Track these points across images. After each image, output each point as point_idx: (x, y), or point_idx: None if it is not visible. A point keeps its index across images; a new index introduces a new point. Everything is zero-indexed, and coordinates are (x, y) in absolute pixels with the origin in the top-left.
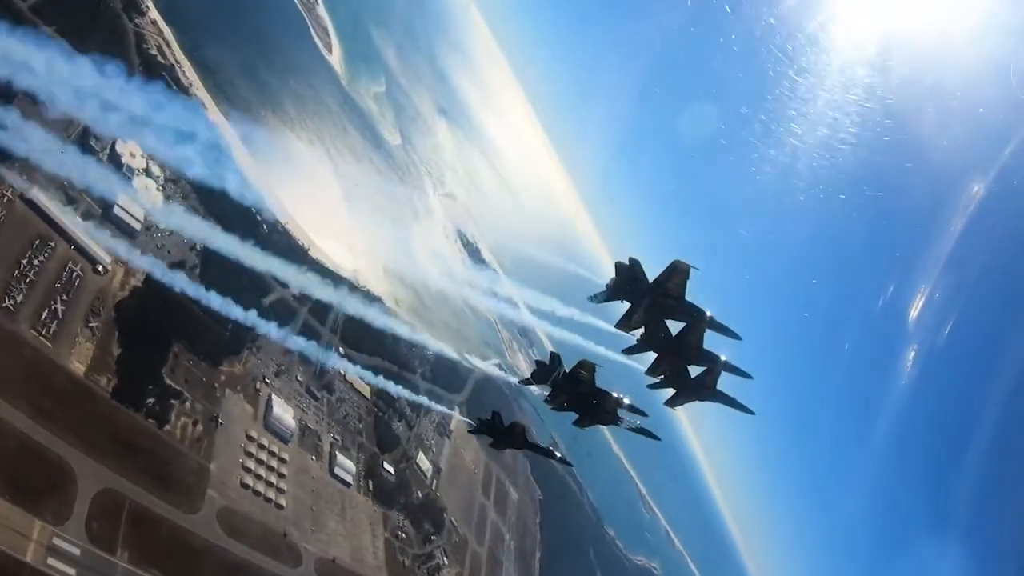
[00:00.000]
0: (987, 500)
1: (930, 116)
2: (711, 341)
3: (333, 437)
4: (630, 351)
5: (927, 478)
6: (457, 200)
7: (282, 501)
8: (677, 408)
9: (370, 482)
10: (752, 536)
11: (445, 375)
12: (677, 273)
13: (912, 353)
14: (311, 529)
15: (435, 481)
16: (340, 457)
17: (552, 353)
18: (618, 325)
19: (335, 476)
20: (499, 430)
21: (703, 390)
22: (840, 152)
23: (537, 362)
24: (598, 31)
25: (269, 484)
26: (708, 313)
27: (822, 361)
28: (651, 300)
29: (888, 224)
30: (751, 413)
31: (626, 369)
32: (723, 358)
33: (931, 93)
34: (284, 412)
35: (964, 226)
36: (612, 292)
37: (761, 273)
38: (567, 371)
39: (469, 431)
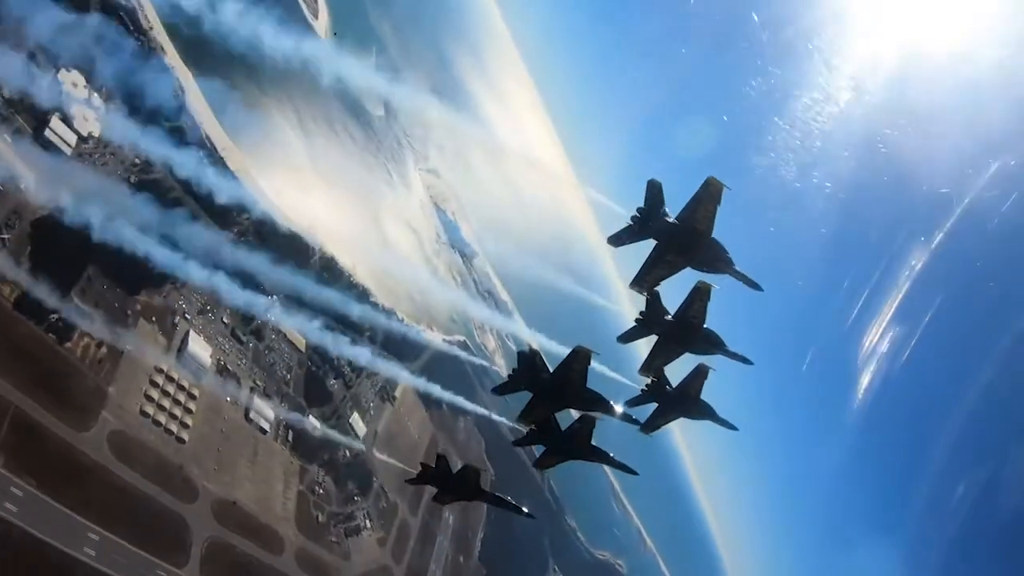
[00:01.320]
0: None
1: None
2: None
3: (254, 382)
4: None
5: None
6: (440, 178)
7: (184, 436)
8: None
9: (290, 432)
10: (737, 543)
11: (397, 342)
12: (578, 359)
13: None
14: (214, 468)
15: (369, 444)
16: (258, 402)
17: (527, 351)
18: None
19: (250, 420)
20: (445, 477)
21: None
22: None
23: (520, 353)
24: (619, 27)
25: (172, 417)
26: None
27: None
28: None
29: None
30: (734, 429)
31: None
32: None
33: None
34: (201, 349)
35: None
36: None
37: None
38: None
39: (407, 481)
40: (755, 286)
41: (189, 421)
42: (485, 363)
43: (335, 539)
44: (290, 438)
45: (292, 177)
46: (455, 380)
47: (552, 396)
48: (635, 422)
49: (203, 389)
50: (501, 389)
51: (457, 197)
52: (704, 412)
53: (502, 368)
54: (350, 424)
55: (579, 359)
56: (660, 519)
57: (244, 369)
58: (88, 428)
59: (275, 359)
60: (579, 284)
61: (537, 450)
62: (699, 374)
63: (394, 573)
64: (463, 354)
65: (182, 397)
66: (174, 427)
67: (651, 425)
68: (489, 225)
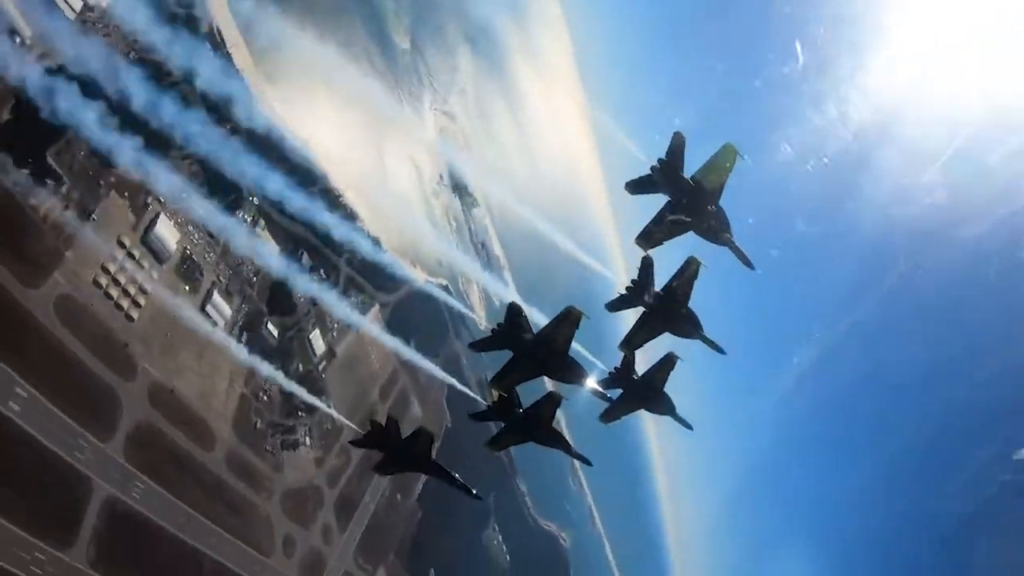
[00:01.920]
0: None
1: None
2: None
3: (217, 277)
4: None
5: None
6: (455, 122)
7: (134, 314)
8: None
9: (245, 335)
10: (687, 538)
11: (377, 272)
12: (568, 321)
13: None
14: (158, 353)
15: (324, 364)
16: (217, 297)
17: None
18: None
19: (206, 314)
20: (393, 443)
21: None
22: None
23: (511, 304)
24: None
25: (125, 293)
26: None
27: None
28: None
29: None
30: (689, 428)
31: None
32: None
33: None
34: (169, 234)
35: None
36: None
37: None
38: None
39: (351, 443)
40: (749, 263)
41: (142, 301)
42: (466, 310)
43: (270, 448)
44: (244, 340)
45: (299, 88)
46: (430, 321)
47: (533, 359)
48: (607, 398)
49: (163, 273)
50: (480, 345)
51: (468, 145)
52: (665, 406)
53: (481, 321)
54: (309, 340)
55: (569, 321)
56: (614, 501)
57: (210, 263)
58: (37, 286)
59: (245, 261)
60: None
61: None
62: (667, 363)
63: (325, 496)
64: (443, 296)
65: (140, 275)
66: (125, 304)
67: (610, 414)
68: (496, 179)
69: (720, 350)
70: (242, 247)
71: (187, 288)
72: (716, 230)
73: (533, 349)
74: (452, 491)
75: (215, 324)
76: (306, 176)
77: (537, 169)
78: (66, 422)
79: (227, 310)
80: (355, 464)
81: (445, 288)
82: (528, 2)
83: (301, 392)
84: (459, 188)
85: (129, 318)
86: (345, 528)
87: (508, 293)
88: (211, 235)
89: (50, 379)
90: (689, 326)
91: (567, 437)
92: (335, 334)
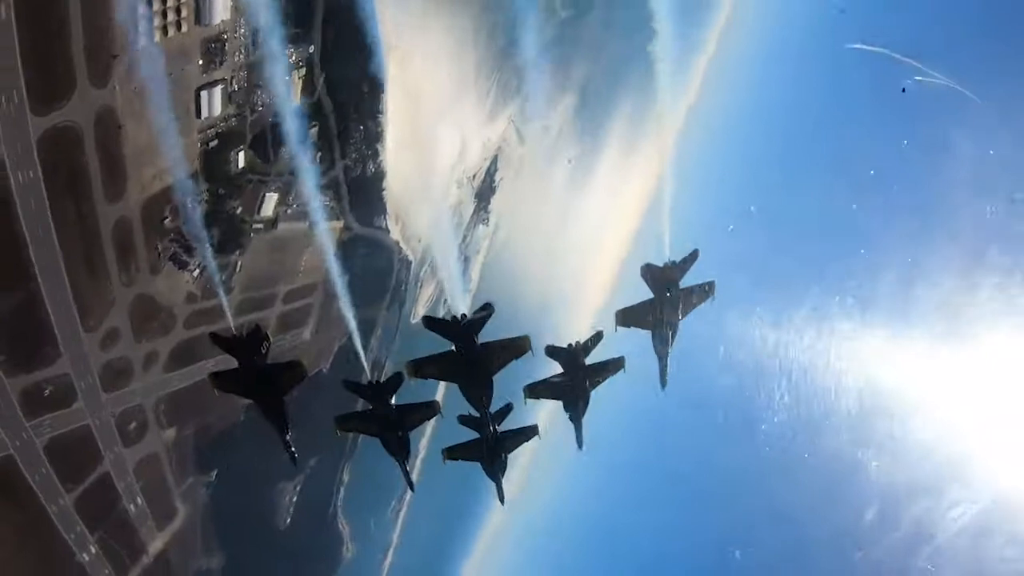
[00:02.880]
0: None
1: None
2: None
3: (231, 79)
4: None
5: None
6: (521, 146)
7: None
8: None
9: (214, 143)
10: None
11: (364, 195)
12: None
13: None
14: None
15: (259, 227)
16: (218, 93)
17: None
18: None
19: (198, 96)
20: (258, 363)
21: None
22: None
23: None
24: None
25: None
26: None
27: None
28: None
29: None
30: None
31: None
32: None
33: None
34: (222, 7)
35: None
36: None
37: None
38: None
39: (211, 335)
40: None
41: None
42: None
43: (159, 248)
44: (211, 148)
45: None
46: (373, 276)
47: (465, 363)
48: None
49: (192, 31)
50: (433, 322)
51: (519, 172)
52: (496, 471)
53: (415, 314)
54: (264, 196)
55: (517, 347)
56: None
57: (235, 62)
58: None
59: (262, 85)
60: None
61: None
62: (527, 433)
63: (173, 328)
64: (401, 266)
65: (171, 17)
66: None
67: (453, 452)
68: (520, 218)
69: (579, 443)
70: (269, 73)
71: (200, 62)
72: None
73: (473, 353)
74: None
75: (199, 112)
76: (368, 72)
77: (564, 236)
78: None
79: (217, 110)
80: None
81: (407, 263)
82: (652, 104)
83: (224, 231)
84: (482, 197)
85: None
86: (172, 369)
87: (462, 308)
88: (254, 40)
89: None
90: (579, 409)
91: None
92: (288, 211)
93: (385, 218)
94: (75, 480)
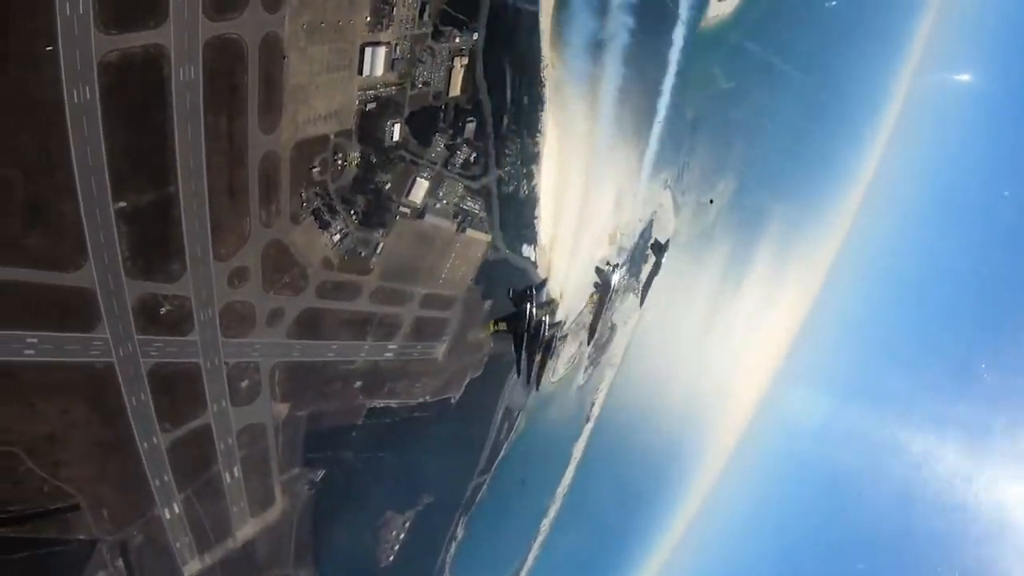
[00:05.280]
0: None
1: None
2: None
3: (395, 45)
4: None
5: None
6: (676, 215)
7: None
8: None
9: (372, 105)
10: None
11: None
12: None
13: None
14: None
15: (405, 211)
16: (381, 53)
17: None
18: None
19: (362, 53)
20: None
21: None
22: None
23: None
24: None
25: None
26: None
27: None
28: None
29: None
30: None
31: None
32: None
33: None
34: None
35: None
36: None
37: None
38: None
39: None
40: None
41: None
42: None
43: (303, 197)
44: (368, 110)
45: None
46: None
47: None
48: None
49: None
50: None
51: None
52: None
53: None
54: (415, 179)
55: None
56: None
57: (402, 32)
58: None
59: (424, 61)
60: None
61: None
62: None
63: (306, 284)
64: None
65: None
66: None
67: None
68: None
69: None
70: (434, 51)
71: (367, 18)
72: None
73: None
74: None
75: (361, 69)
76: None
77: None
78: None
79: (379, 71)
80: (343, 306)
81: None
82: (805, 234)
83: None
84: (635, 262)
85: None
86: (295, 336)
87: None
88: (422, 10)
89: None
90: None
91: None
92: (436, 206)
93: (535, 250)
94: (173, 422)
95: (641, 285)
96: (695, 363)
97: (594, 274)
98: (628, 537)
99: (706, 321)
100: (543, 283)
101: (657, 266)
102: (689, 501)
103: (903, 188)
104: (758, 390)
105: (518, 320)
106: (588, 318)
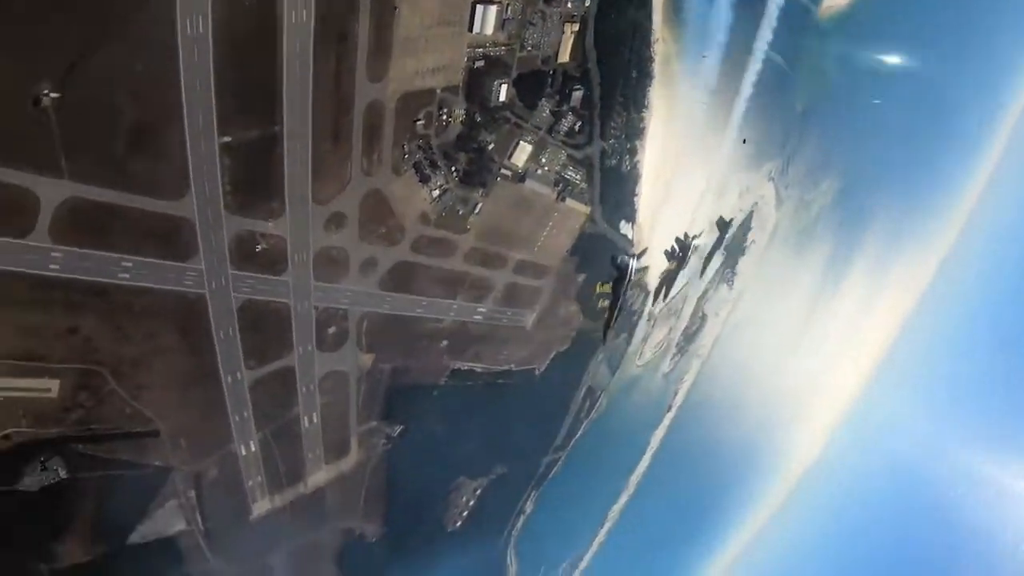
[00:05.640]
0: None
1: None
2: None
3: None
4: None
5: None
6: (777, 209)
7: None
8: None
9: (480, 63)
10: None
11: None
12: None
13: None
14: None
15: (506, 173)
16: (492, 12)
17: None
18: None
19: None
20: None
21: None
22: None
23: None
24: None
25: None
26: None
27: None
28: None
29: None
30: None
31: None
32: None
33: None
34: None
35: None
36: None
37: None
38: None
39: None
40: None
41: None
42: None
43: (406, 150)
44: (476, 68)
45: None
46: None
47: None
48: None
49: None
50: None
51: (770, 240)
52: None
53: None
54: (518, 142)
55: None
56: None
57: None
58: None
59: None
60: None
61: None
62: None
63: (403, 235)
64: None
65: None
66: None
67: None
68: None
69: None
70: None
71: None
72: None
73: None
74: None
75: (471, 26)
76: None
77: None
78: None
79: (489, 29)
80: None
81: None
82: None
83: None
84: (731, 252)
85: None
86: (387, 288)
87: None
88: None
89: None
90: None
91: None
92: (538, 172)
93: (632, 227)
94: (258, 360)
95: (702, 261)
96: (784, 364)
97: (687, 256)
98: (694, 537)
99: (800, 322)
100: (643, 252)
101: (719, 243)
102: (761, 508)
103: (1018, 199)
104: (847, 399)
105: (620, 284)
106: (679, 303)
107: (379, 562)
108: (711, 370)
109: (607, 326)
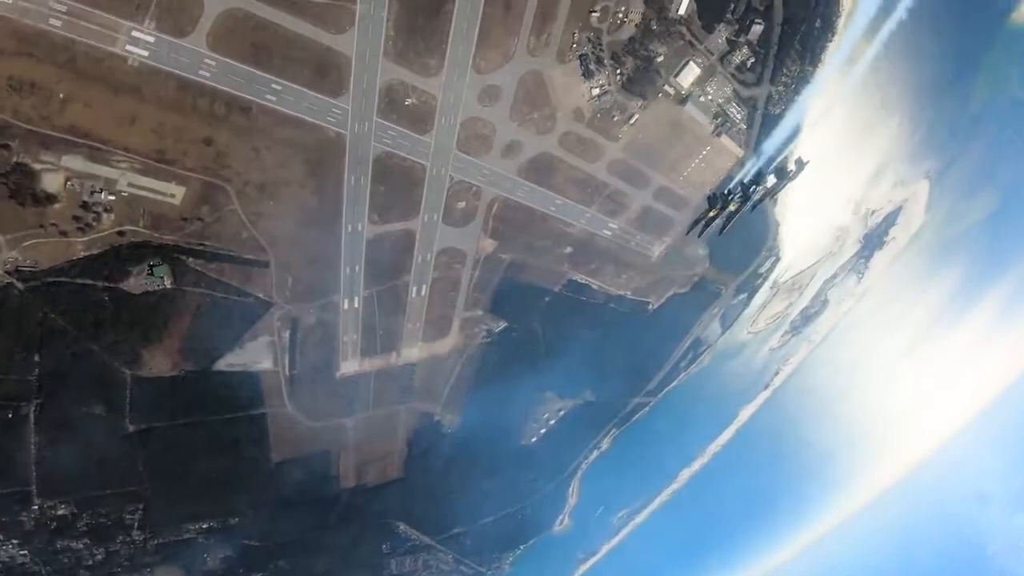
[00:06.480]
0: None
1: None
2: None
3: None
4: None
5: None
6: (902, 212)
7: None
8: None
9: None
10: None
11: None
12: None
13: None
14: None
15: (669, 92)
16: None
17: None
18: None
19: None
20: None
21: None
22: None
23: None
24: None
25: None
26: None
27: None
28: None
29: None
30: None
31: None
32: None
33: None
34: None
35: None
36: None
37: None
38: None
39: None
40: None
41: None
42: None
43: (575, 43)
44: None
45: None
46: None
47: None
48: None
49: None
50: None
51: (910, 242)
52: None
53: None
54: (686, 63)
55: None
56: None
57: None
58: None
59: None
60: None
61: None
62: None
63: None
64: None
65: None
66: None
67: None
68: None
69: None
70: None
71: None
72: None
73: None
74: None
75: None
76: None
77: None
78: None
79: None
80: (580, 164)
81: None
82: None
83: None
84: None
85: None
86: (526, 177)
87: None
88: None
89: None
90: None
91: None
92: (700, 98)
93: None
94: (382, 215)
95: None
96: (890, 380)
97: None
98: (754, 526)
99: (915, 340)
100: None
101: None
102: (823, 520)
103: None
104: (941, 438)
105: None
106: (805, 279)
107: (445, 453)
108: (818, 361)
109: (704, 223)
